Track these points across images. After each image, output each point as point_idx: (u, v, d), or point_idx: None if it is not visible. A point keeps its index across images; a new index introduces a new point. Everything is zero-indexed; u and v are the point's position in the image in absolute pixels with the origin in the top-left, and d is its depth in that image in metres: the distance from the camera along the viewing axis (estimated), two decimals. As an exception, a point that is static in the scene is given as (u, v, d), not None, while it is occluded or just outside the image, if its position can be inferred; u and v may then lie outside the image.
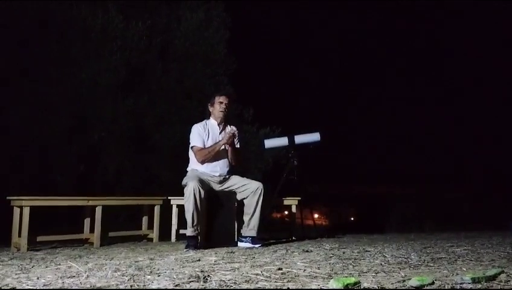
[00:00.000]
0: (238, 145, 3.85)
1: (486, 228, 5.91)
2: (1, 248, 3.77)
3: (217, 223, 3.62)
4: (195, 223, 3.34)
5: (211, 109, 3.84)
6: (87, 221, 4.17)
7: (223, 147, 3.68)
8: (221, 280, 1.75)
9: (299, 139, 4.50)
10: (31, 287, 1.73)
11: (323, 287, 1.59)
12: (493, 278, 1.71)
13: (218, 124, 3.81)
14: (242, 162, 4.08)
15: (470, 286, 1.58)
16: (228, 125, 3.83)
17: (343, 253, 2.71)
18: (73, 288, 1.68)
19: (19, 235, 3.62)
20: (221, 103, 3.77)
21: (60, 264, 2.42)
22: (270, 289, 1.60)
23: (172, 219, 4.35)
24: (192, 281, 1.74)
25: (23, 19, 5.90)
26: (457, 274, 1.84)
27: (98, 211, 3.99)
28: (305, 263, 2.22)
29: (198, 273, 1.89)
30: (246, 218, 3.61)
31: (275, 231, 5.46)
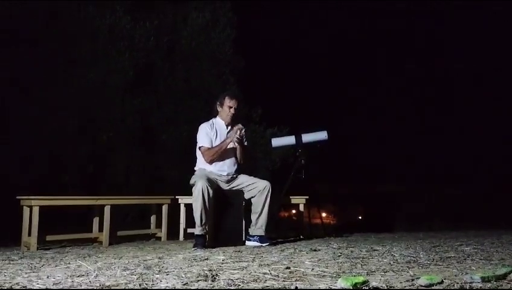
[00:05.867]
0: (246, 143, 3.85)
1: (495, 227, 5.85)
2: (11, 247, 3.81)
3: (225, 222, 3.63)
4: (203, 222, 3.36)
5: (219, 109, 3.81)
6: (96, 220, 4.21)
7: (231, 145, 3.68)
8: (229, 279, 1.75)
9: (306, 138, 4.49)
10: (41, 286, 1.75)
11: (331, 287, 1.59)
12: (503, 277, 1.69)
13: (226, 124, 3.81)
14: (250, 161, 4.07)
15: (479, 285, 1.56)
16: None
17: (352, 252, 2.70)
18: (82, 287, 1.69)
19: (29, 235, 3.66)
20: (230, 107, 3.73)
21: (69, 263, 2.44)
22: (278, 288, 1.60)
23: (180, 218, 4.37)
24: (201, 280, 1.74)
25: (31, 20, 5.95)
26: (466, 273, 1.82)
27: (107, 211, 4.02)
28: (313, 262, 2.22)
29: (206, 272, 1.90)
30: (253, 217, 3.62)
31: (282, 230, 5.46)
